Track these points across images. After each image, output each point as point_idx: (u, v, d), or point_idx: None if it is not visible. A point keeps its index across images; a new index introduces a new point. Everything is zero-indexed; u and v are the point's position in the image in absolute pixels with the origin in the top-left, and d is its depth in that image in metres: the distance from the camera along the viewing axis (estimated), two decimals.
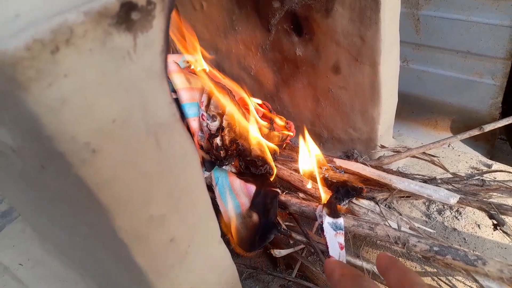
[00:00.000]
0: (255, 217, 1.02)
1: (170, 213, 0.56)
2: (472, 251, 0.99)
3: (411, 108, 1.52)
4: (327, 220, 0.66)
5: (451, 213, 1.16)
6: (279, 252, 0.95)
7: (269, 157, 1.01)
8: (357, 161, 1.06)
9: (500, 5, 1.16)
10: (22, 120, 0.41)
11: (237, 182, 1.07)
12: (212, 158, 1.08)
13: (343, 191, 0.94)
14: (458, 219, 1.14)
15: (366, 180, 1.03)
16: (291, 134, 1.23)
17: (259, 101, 1.25)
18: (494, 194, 0.89)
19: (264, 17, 1.21)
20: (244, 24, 1.29)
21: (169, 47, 0.50)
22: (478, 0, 1.19)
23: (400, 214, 0.93)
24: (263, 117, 1.25)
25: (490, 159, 1.37)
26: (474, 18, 1.22)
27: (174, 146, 0.53)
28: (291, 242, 1.02)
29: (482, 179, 0.95)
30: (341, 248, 0.72)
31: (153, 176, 0.52)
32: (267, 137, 1.14)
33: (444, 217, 1.15)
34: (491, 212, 0.84)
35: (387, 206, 1.01)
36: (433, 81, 1.40)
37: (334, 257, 0.63)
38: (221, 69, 1.49)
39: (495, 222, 0.88)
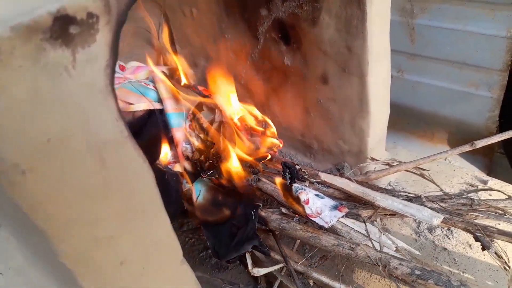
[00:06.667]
0: (233, 227, 0.99)
1: (120, 234, 0.53)
2: (459, 274, 0.94)
3: (407, 120, 1.48)
4: None
5: (442, 232, 1.11)
6: (257, 271, 0.92)
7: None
8: (342, 176, 1.03)
9: (496, 15, 1.12)
10: None
11: (219, 195, 1.04)
12: (198, 168, 1.06)
13: (290, 172, 1.01)
14: (449, 238, 1.09)
15: (350, 196, 0.99)
16: (279, 144, 1.20)
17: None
18: (481, 215, 0.85)
19: (252, 25, 1.18)
20: (233, 31, 1.26)
21: (116, 61, 0.48)
22: (474, 9, 1.14)
23: (383, 233, 0.89)
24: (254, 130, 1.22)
25: (488, 174, 1.32)
26: (470, 28, 1.17)
27: (122, 164, 0.51)
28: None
29: (471, 198, 0.90)
30: (306, 203, 0.92)
31: (97, 196, 0.49)
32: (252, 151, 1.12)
33: (434, 236, 1.11)
34: (476, 234, 0.80)
35: (371, 223, 0.97)
36: (428, 92, 1.36)
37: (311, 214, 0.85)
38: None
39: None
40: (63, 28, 0.41)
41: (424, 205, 0.87)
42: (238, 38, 1.27)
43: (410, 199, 0.90)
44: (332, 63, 1.07)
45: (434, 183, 1.03)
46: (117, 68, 1.09)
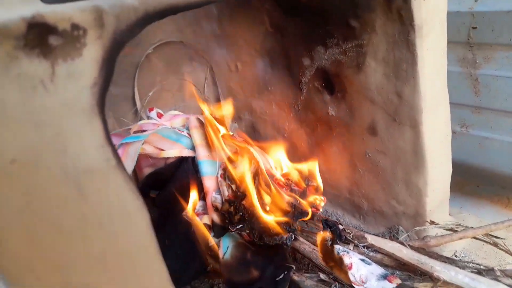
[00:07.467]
0: None
1: (100, 282, 0.45)
2: None
3: (475, 182, 1.28)
4: None
5: None
6: None
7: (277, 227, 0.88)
8: (392, 239, 0.87)
9: None
10: None
11: (248, 252, 0.93)
12: (227, 221, 0.97)
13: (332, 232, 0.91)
14: None
15: (404, 264, 0.83)
16: (322, 200, 1.08)
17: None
18: None
19: (295, 75, 1.14)
20: (277, 83, 1.22)
21: (109, 81, 0.43)
22: None
23: None
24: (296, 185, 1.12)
25: None
26: None
27: (107, 198, 0.44)
28: None
29: None
30: (349, 268, 0.81)
31: (73, 234, 0.42)
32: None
33: None
34: None
35: None
36: (499, 150, 1.17)
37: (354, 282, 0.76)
38: (256, 131, 1.42)
39: None
40: (41, 38, 0.37)
41: (499, 281, 0.68)
42: (281, 90, 1.22)
43: (479, 272, 0.72)
44: (381, 111, 0.97)
45: (510, 253, 0.83)
46: (154, 115, 1.08)
